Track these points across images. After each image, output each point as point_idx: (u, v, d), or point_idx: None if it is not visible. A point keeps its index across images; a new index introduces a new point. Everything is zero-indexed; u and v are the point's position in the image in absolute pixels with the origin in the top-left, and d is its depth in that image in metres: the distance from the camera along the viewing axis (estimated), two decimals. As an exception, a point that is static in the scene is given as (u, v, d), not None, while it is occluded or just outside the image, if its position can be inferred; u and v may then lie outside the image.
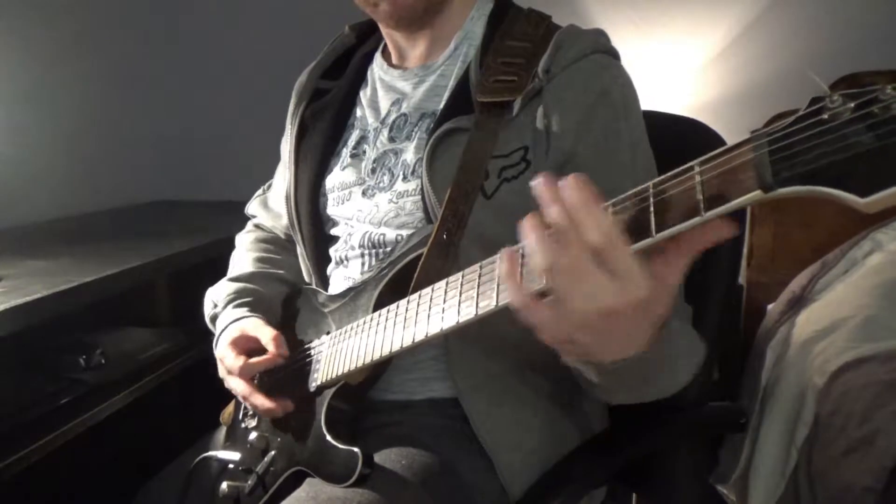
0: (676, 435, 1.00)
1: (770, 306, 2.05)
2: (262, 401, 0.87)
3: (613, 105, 0.83)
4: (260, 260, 1.07)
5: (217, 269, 1.10)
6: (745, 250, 2.09)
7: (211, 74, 2.32)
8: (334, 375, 0.84)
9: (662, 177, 0.53)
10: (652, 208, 0.53)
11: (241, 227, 1.20)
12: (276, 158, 1.16)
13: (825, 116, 0.44)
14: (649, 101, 2.03)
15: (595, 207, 0.54)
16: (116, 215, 2.07)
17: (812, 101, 0.45)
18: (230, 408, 1.03)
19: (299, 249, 1.03)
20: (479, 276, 0.66)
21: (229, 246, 1.16)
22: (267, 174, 1.23)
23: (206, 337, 1.14)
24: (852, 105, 0.43)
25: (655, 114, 1.06)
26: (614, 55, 0.89)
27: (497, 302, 0.63)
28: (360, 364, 0.80)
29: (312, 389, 0.87)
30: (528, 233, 0.57)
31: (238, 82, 2.31)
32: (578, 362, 0.67)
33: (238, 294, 0.99)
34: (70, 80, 2.00)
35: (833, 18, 2.16)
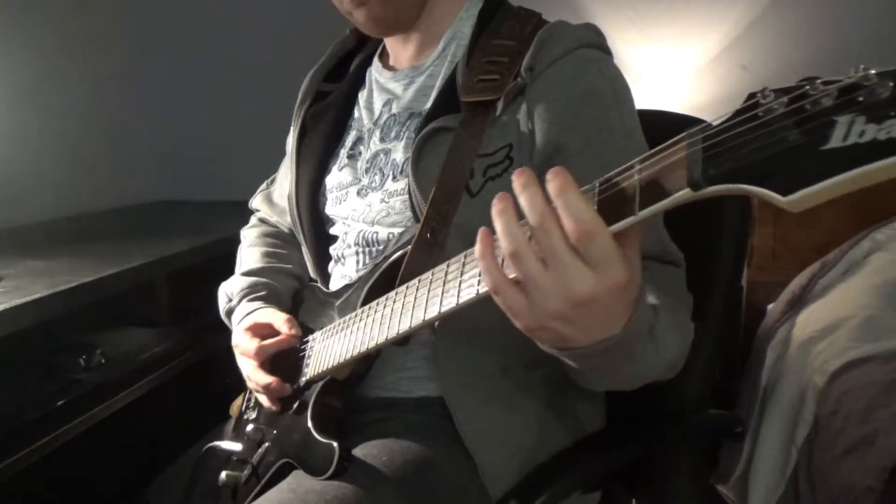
0: (670, 441, 1.00)
1: (770, 306, 2.05)
2: (261, 376, 0.90)
3: (602, 97, 0.83)
4: (267, 255, 1.09)
5: (217, 269, 1.10)
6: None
7: (211, 74, 2.33)
8: (321, 370, 0.86)
9: (609, 174, 0.54)
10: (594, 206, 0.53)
11: (241, 226, 1.20)
12: (277, 158, 1.16)
13: (760, 112, 0.43)
14: (649, 100, 2.03)
15: (574, 194, 0.52)
16: (116, 215, 2.07)
17: (749, 96, 0.44)
18: (238, 400, 1.06)
19: (303, 248, 1.05)
20: (462, 270, 0.66)
21: (229, 246, 1.16)
22: (267, 174, 1.23)
23: (206, 337, 1.14)
24: (786, 100, 0.42)
25: (655, 112, 1.06)
26: (602, 48, 0.88)
27: (479, 292, 0.62)
28: (343, 359, 0.82)
29: (302, 384, 0.90)
30: (496, 218, 0.55)
31: (238, 82, 2.31)
32: (553, 350, 0.64)
33: (252, 288, 1.02)
34: (70, 80, 2.00)
35: (833, 19, 2.16)
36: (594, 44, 0.87)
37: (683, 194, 0.47)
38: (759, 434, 1.70)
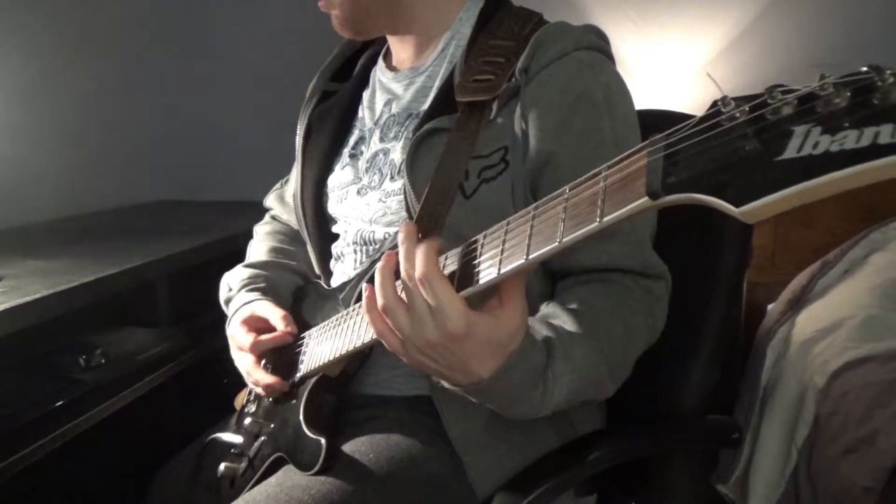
0: (663, 446, 0.99)
1: (770, 306, 2.05)
2: (262, 375, 0.91)
3: (595, 103, 0.83)
4: (274, 250, 1.11)
5: (217, 269, 1.10)
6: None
7: (211, 74, 2.33)
8: (314, 367, 0.87)
9: (578, 181, 0.54)
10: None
11: (242, 226, 1.21)
12: (277, 158, 1.17)
13: (723, 120, 0.42)
14: (649, 100, 2.03)
15: (419, 248, 0.63)
16: (116, 215, 2.07)
17: (712, 104, 0.44)
18: (243, 393, 1.07)
19: (308, 245, 1.06)
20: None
21: (230, 246, 1.17)
22: (267, 174, 1.23)
23: (206, 337, 1.14)
24: (747, 108, 0.41)
25: (655, 112, 1.06)
26: (602, 51, 0.87)
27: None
28: (333, 357, 0.83)
29: (297, 380, 0.90)
30: (377, 274, 0.66)
31: (238, 82, 2.32)
32: (441, 382, 0.73)
33: (251, 280, 1.03)
34: (70, 80, 2.00)
35: (833, 18, 2.16)
36: (592, 46, 0.86)
37: (642, 203, 0.47)
38: (759, 434, 1.70)
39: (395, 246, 0.82)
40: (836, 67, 0.40)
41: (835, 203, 2.10)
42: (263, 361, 0.94)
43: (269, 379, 0.90)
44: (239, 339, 0.94)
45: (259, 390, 0.95)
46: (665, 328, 0.85)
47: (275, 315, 0.94)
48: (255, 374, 0.92)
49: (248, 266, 1.06)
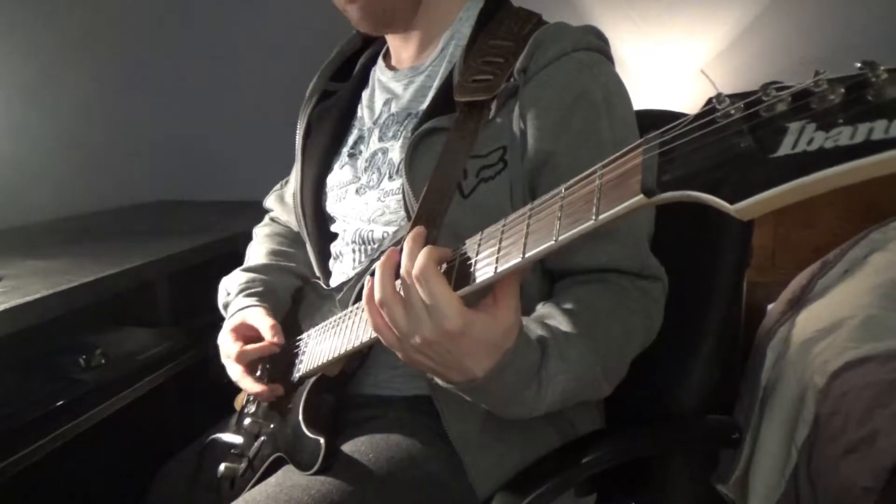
0: (663, 446, 0.99)
1: (770, 306, 2.05)
2: (250, 383, 0.92)
3: (594, 104, 0.83)
4: (273, 252, 1.11)
5: (217, 269, 1.10)
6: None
7: (211, 74, 2.33)
8: (313, 367, 0.87)
9: (574, 179, 0.55)
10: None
11: (242, 226, 1.21)
12: (277, 158, 1.17)
13: (717, 118, 0.42)
14: (649, 100, 2.03)
15: (417, 248, 0.63)
16: (117, 215, 2.07)
17: (707, 101, 0.44)
18: (243, 394, 1.07)
19: (307, 245, 1.06)
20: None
21: (230, 246, 1.17)
22: (267, 174, 1.23)
23: (206, 337, 1.14)
24: (742, 105, 0.41)
25: (656, 112, 1.06)
26: (601, 51, 0.87)
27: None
28: (332, 357, 0.83)
29: (296, 380, 0.91)
30: (377, 269, 0.66)
31: (238, 82, 2.32)
32: (436, 381, 0.73)
33: (249, 284, 1.02)
34: (71, 79, 2.00)
35: (833, 18, 2.16)
36: (591, 47, 0.86)
37: (637, 200, 0.47)
38: (759, 434, 1.70)
39: (398, 243, 0.83)
40: (830, 63, 0.40)
41: (835, 203, 2.10)
42: (260, 364, 0.94)
43: (257, 388, 0.91)
44: (225, 349, 0.95)
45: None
46: (664, 327, 0.85)
47: (264, 325, 0.93)
48: (243, 384, 0.93)
49: (246, 270, 1.06)
